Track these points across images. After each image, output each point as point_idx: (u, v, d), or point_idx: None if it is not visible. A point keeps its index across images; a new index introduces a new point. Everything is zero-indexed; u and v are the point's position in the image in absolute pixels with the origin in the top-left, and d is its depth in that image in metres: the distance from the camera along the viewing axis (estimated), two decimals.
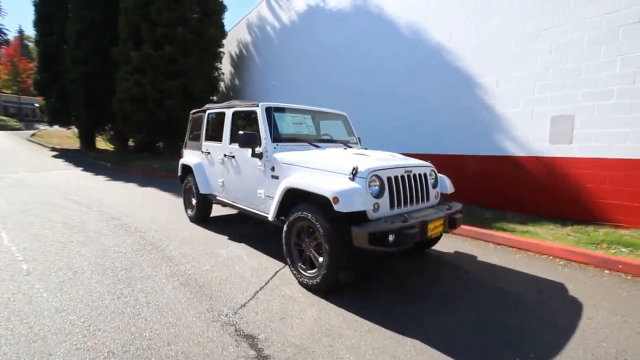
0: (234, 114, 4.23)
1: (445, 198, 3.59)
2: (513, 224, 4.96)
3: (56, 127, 21.86)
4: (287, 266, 3.36)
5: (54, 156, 16.02)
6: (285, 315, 2.48)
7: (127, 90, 12.47)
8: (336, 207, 2.55)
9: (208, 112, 4.83)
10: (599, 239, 4.21)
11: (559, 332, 2.35)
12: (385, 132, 7.58)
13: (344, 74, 9.08)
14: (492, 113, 5.97)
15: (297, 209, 2.96)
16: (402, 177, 3.00)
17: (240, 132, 3.57)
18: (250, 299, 2.72)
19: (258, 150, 3.60)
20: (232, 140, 4.20)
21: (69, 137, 22.11)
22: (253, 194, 3.78)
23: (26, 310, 2.43)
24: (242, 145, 3.62)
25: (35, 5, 17.97)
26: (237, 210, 4.27)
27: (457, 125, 6.47)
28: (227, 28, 14.96)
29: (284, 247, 3.12)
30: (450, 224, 3.17)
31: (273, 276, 3.19)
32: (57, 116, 18.46)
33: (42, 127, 27.41)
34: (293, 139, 3.77)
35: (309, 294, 2.83)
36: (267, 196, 3.56)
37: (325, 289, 2.78)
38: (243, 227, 4.88)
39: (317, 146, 3.78)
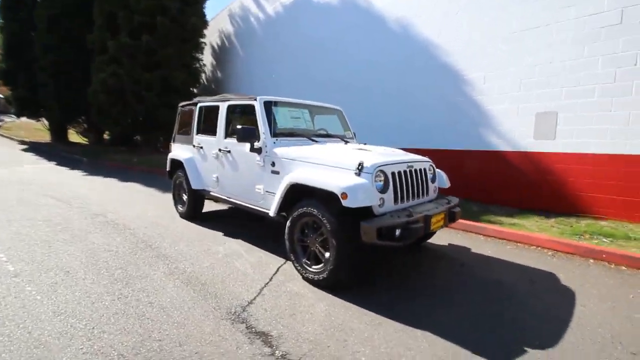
0: (229, 108, 4.13)
1: (440, 192, 3.67)
2: (500, 217, 5.15)
3: (24, 119, 20.60)
4: (288, 262, 3.36)
5: (24, 150, 15.13)
6: (294, 311, 2.47)
7: (103, 81, 11.90)
8: (344, 203, 2.56)
9: (200, 105, 4.69)
10: (581, 230, 4.44)
11: (557, 320, 2.47)
12: (374, 128, 7.62)
13: (331, 69, 9.04)
14: (480, 109, 6.13)
15: (301, 205, 2.94)
16: (405, 172, 3.03)
17: (239, 127, 3.49)
18: (257, 295, 2.70)
19: (257, 145, 3.53)
20: (227, 135, 4.11)
21: (38, 129, 20.91)
22: (251, 189, 3.72)
23: (21, 315, 2.30)
24: (240, 140, 3.55)
25: None
26: (231, 206, 4.19)
27: (445, 121, 6.61)
28: (207, 18, 14.52)
29: (287, 243, 3.10)
30: (450, 218, 3.25)
31: (276, 272, 3.17)
32: (25, 107, 17.35)
33: (8, 120, 25.76)
34: (291, 134, 3.73)
35: (315, 289, 2.83)
36: (267, 191, 3.51)
37: (332, 284, 2.79)
38: (236, 223, 4.81)
39: (315, 141, 3.76)
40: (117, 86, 11.84)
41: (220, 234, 4.30)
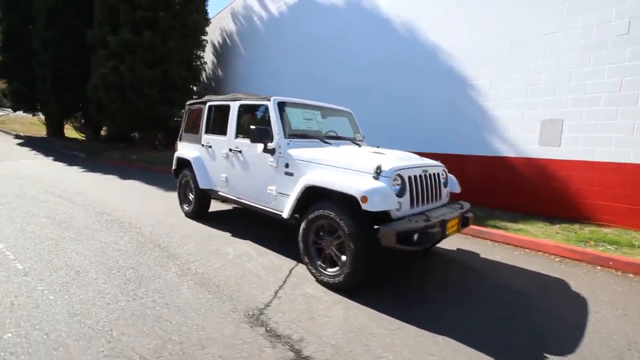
0: (241, 107, 4.11)
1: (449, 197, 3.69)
2: (504, 222, 5.18)
3: (19, 112, 20.27)
4: (299, 264, 3.35)
5: (19, 144, 14.88)
6: (312, 315, 2.46)
7: (104, 77, 11.76)
8: (364, 206, 2.55)
9: (209, 104, 4.65)
10: (586, 237, 4.49)
11: (572, 327, 2.49)
12: (376, 128, 7.62)
13: (333, 68, 9.04)
14: (485, 114, 6.17)
15: (317, 207, 2.93)
16: (420, 176, 3.04)
17: (252, 127, 3.47)
18: (273, 298, 2.68)
19: (270, 145, 3.52)
20: (238, 134, 4.08)
21: (33, 124, 20.62)
22: (262, 190, 3.70)
23: (36, 315, 2.26)
24: (254, 140, 3.53)
25: None
26: (236, 206, 4.16)
27: (450, 125, 6.64)
28: (209, 16, 14.44)
29: (301, 245, 3.09)
30: (463, 223, 3.27)
31: (289, 274, 3.15)
32: (21, 101, 17.06)
33: (2, 113, 25.33)
34: (304, 135, 3.72)
35: (330, 292, 2.82)
36: (279, 193, 3.50)
37: (348, 288, 2.78)
38: (242, 223, 4.78)
39: (328, 143, 3.75)
40: (118, 82, 11.72)
41: (228, 234, 4.27)
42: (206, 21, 13.73)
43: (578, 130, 5.16)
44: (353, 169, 2.90)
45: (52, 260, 3.19)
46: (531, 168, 5.66)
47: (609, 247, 4.17)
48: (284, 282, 2.99)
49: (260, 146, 3.60)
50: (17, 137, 17.46)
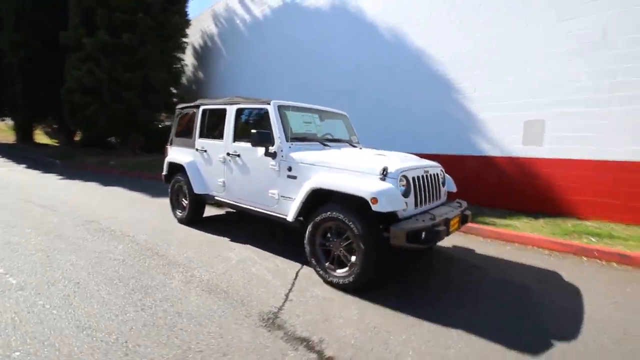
0: (238, 111, 4.07)
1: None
2: (493, 218, 5.38)
3: None
4: (304, 266, 3.36)
5: None
6: (327, 316, 2.48)
7: (79, 80, 11.31)
8: (375, 207, 2.60)
9: (202, 107, 4.58)
10: (569, 230, 4.74)
11: (571, 316, 2.63)
12: (362, 132, 7.73)
13: (317, 72, 9.09)
14: (470, 116, 6.40)
15: (324, 209, 2.96)
16: (422, 176, 3.13)
17: (253, 131, 3.45)
18: (284, 301, 2.68)
19: (272, 149, 3.51)
20: (235, 138, 4.04)
21: (0, 129, 19.51)
22: (263, 194, 3.68)
23: (41, 331, 2.16)
24: (255, 144, 3.51)
25: None
26: (230, 210, 4.11)
27: (437, 127, 6.83)
28: (189, 17, 14.17)
29: (308, 248, 3.10)
30: (463, 221, 3.39)
31: (295, 277, 3.15)
32: None
33: None
34: (305, 139, 3.74)
35: (340, 293, 2.85)
36: (282, 196, 3.49)
37: (358, 288, 2.82)
38: (238, 227, 4.73)
39: (328, 146, 3.78)
40: (94, 85, 11.30)
41: (226, 239, 4.21)
42: (186, 23, 13.47)
43: (559, 130, 5.44)
44: (359, 171, 2.94)
45: (46, 272, 3.04)
46: (516, 167, 5.91)
47: (592, 238, 4.42)
48: (293, 284, 3.00)
49: (261, 150, 3.59)
50: None
